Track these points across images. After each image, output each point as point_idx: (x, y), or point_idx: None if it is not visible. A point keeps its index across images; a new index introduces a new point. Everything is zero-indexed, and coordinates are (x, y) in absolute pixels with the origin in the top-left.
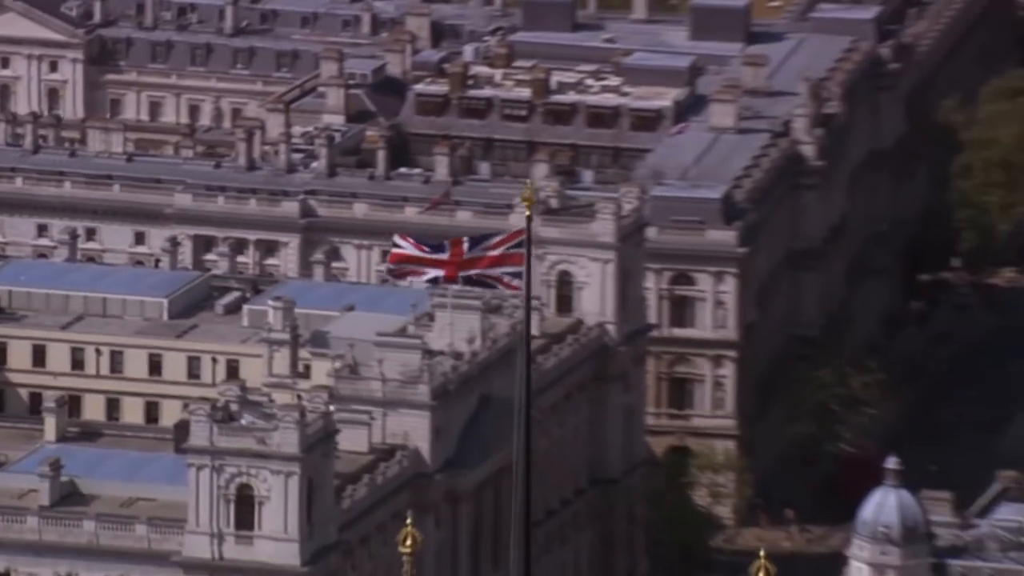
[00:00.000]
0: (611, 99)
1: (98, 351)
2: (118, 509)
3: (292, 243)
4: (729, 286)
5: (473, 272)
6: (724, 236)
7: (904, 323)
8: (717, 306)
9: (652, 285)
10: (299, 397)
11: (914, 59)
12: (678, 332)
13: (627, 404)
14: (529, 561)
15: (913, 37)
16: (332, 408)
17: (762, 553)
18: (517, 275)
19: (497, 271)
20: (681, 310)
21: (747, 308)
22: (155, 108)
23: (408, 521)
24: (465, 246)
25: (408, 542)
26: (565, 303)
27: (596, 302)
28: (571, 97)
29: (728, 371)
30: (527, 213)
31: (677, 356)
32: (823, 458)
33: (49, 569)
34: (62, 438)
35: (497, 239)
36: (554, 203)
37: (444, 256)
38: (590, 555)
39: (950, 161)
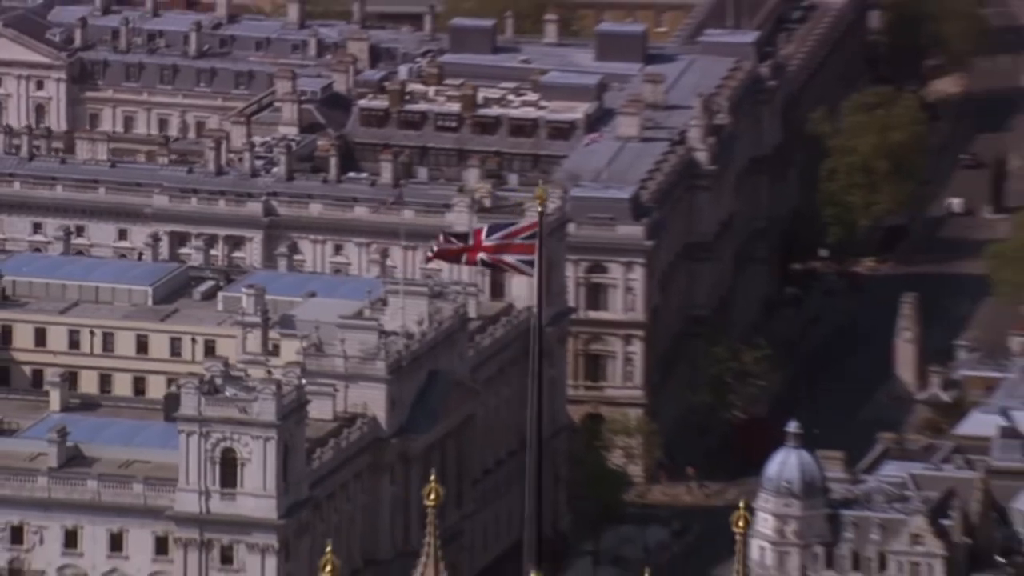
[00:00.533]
0: (530, 112)
1: (92, 333)
2: (117, 470)
3: (256, 238)
4: (637, 274)
5: (489, 256)
6: (633, 231)
7: (781, 306)
8: (627, 292)
9: (571, 273)
10: (269, 372)
11: (787, 77)
12: (593, 314)
13: (552, 377)
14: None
15: (785, 58)
16: (304, 381)
17: (742, 503)
18: (528, 262)
19: (511, 258)
20: (596, 295)
21: (652, 293)
22: (129, 121)
23: (432, 478)
24: (483, 234)
25: (432, 496)
26: (498, 289)
27: (525, 288)
28: (495, 111)
29: (636, 348)
30: (540, 210)
31: (592, 335)
32: (719, 423)
33: (57, 523)
34: (65, 408)
35: (511, 229)
36: (487, 203)
37: (470, 244)
38: (520, 509)
39: (818, 166)
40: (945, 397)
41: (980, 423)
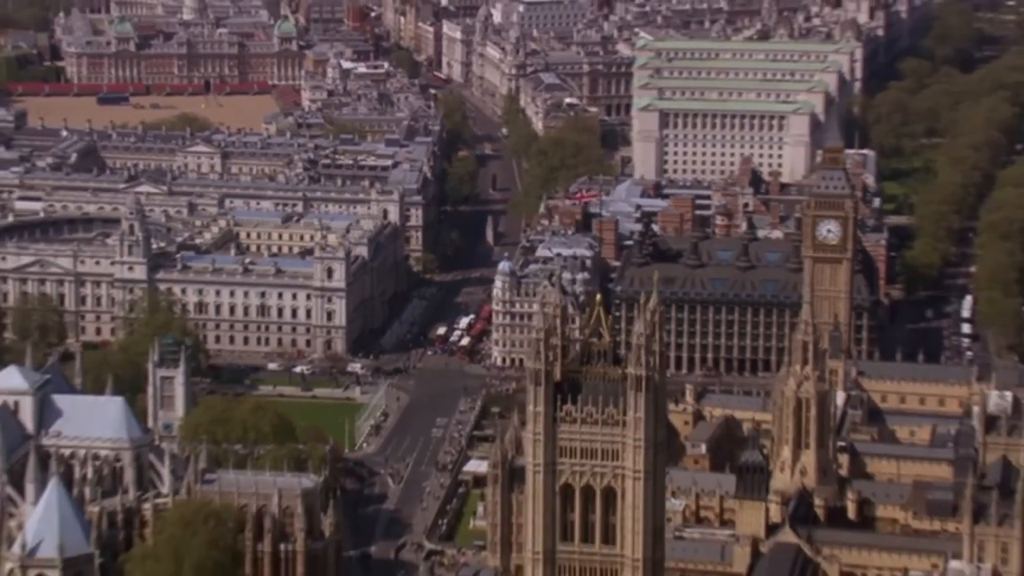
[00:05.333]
0: (377, 162)
1: (265, 233)
2: (291, 272)
3: (300, 204)
4: (420, 212)
5: (584, 201)
6: (418, 198)
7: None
8: (415, 215)
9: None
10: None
11: (440, 149)
12: (408, 224)
13: (397, 245)
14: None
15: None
16: (344, 242)
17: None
18: (598, 201)
19: (594, 200)
20: (404, 221)
21: (426, 217)
22: (240, 169)
23: (598, 312)
24: (583, 193)
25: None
26: (384, 216)
27: (393, 215)
28: (364, 162)
29: (421, 235)
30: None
31: (404, 231)
32: (443, 258)
33: (255, 290)
34: (268, 256)
35: (592, 191)
36: (378, 192)
37: (577, 198)
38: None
39: (446, 176)
40: (528, 245)
41: (545, 254)
